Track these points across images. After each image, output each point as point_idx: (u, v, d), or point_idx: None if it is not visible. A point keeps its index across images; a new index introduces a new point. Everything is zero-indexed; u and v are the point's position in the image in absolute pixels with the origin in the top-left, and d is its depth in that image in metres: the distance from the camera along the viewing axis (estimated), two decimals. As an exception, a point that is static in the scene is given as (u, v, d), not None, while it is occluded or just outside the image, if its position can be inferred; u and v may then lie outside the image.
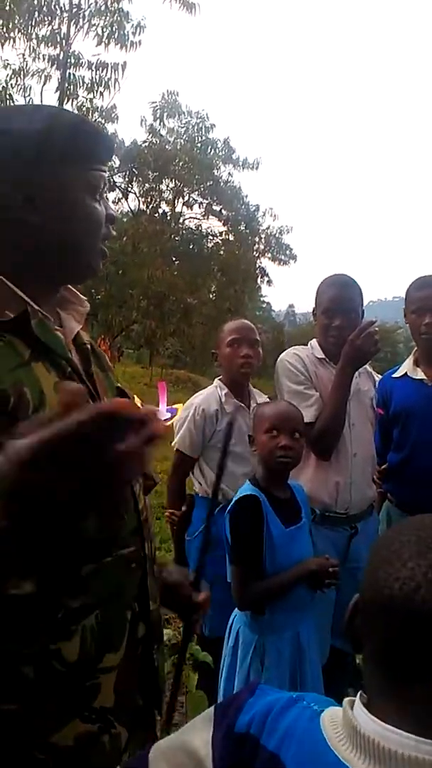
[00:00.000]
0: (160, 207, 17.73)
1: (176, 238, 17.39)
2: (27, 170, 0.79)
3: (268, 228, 18.54)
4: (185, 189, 17.55)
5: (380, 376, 2.23)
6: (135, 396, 1.09)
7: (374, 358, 2.03)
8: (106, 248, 0.90)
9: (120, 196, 16.94)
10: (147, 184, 17.09)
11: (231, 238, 17.98)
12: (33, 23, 11.45)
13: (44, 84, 12.41)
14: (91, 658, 0.77)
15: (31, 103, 11.82)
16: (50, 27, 11.67)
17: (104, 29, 11.48)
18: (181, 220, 18.42)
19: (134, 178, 17.02)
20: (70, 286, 0.94)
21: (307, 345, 2.09)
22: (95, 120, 11.99)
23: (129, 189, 17.22)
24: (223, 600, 1.75)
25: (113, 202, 16.08)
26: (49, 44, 11.79)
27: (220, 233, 18.39)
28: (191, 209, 18.33)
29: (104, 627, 0.78)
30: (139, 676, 0.86)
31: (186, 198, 17.95)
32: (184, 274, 15.69)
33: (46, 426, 0.44)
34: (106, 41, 11.48)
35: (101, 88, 12.03)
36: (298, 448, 1.62)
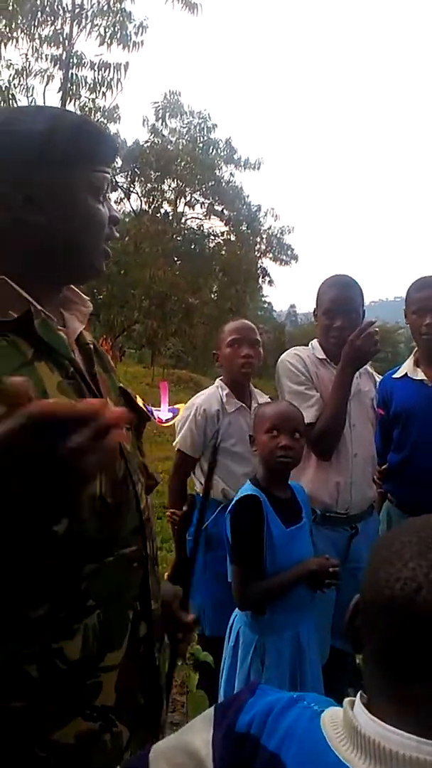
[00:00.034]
0: (162, 207, 17.74)
1: (178, 238, 17.39)
2: (30, 171, 0.79)
3: (269, 228, 18.55)
4: (187, 189, 17.56)
5: (381, 377, 2.24)
6: (137, 396, 1.09)
7: (375, 359, 2.03)
8: (109, 249, 0.90)
9: (122, 196, 16.96)
10: (149, 184, 17.10)
11: (233, 238, 17.98)
12: (36, 23, 11.45)
13: (47, 84, 12.42)
14: (93, 656, 0.77)
15: (33, 102, 11.84)
16: (53, 27, 11.68)
17: (107, 29, 11.49)
18: (182, 220, 18.43)
19: (136, 178, 17.04)
20: (73, 286, 0.94)
21: (308, 345, 2.09)
22: (97, 120, 12.00)
23: (131, 189, 17.24)
24: (223, 600, 1.75)
25: (115, 201, 16.10)
26: (52, 44, 11.80)
27: (222, 233, 18.40)
28: (193, 209, 18.35)
29: (106, 626, 0.79)
30: (141, 675, 0.87)
31: (188, 198, 17.96)
32: (185, 274, 15.70)
33: None
34: (109, 41, 11.50)
35: (104, 88, 12.05)
36: (298, 448, 1.62)
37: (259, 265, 18.27)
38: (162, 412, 6.25)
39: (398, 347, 22.68)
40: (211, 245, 18.31)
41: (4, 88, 11.78)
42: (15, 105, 11.49)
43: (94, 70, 11.93)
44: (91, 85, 12.08)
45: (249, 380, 2.19)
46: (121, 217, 1.02)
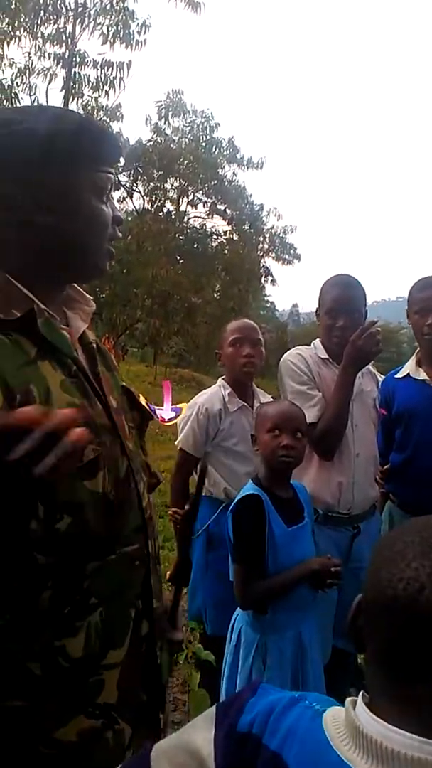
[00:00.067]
0: (164, 206, 17.71)
1: (180, 237, 17.37)
2: (34, 171, 0.80)
3: (272, 227, 18.51)
4: (190, 188, 17.53)
5: (384, 377, 2.23)
6: (140, 394, 1.10)
7: (379, 359, 2.02)
8: (112, 249, 0.90)
9: (125, 194, 16.92)
10: (152, 183, 17.07)
11: (235, 237, 17.95)
12: (38, 22, 11.44)
13: (49, 83, 12.40)
14: (95, 654, 0.78)
15: (36, 101, 11.84)
16: (56, 26, 11.66)
17: (109, 28, 11.46)
18: (185, 219, 18.40)
19: (139, 177, 17.01)
20: (76, 285, 0.94)
21: (310, 345, 2.09)
22: (100, 119, 11.99)
23: (134, 188, 17.21)
24: (225, 599, 1.75)
25: (118, 200, 16.08)
26: (55, 43, 11.78)
27: (225, 232, 18.36)
28: (195, 208, 18.31)
29: (108, 624, 0.79)
30: (143, 673, 0.87)
31: (190, 197, 17.93)
32: (188, 273, 15.68)
33: None
34: (112, 40, 11.47)
35: (106, 87, 12.02)
36: (300, 447, 1.62)
37: (261, 265, 18.23)
38: (165, 411, 6.27)
39: (402, 347, 22.64)
40: (214, 244, 18.28)
41: (6, 87, 11.76)
42: (17, 103, 11.50)
43: (97, 69, 11.92)
44: (94, 84, 12.06)
45: (251, 379, 2.19)
46: (123, 216, 1.02)
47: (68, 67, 11.79)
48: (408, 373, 2.17)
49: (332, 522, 1.91)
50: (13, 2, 10.83)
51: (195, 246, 17.98)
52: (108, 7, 11.51)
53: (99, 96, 12.25)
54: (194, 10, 11.17)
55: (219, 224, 18.45)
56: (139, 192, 17.38)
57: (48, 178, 0.80)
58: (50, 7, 11.35)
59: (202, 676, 1.97)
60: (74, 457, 0.58)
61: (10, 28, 11.17)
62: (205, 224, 18.59)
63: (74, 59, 11.80)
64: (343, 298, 1.96)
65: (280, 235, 18.44)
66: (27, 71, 12.12)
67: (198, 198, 18.04)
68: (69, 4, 11.51)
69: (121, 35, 11.39)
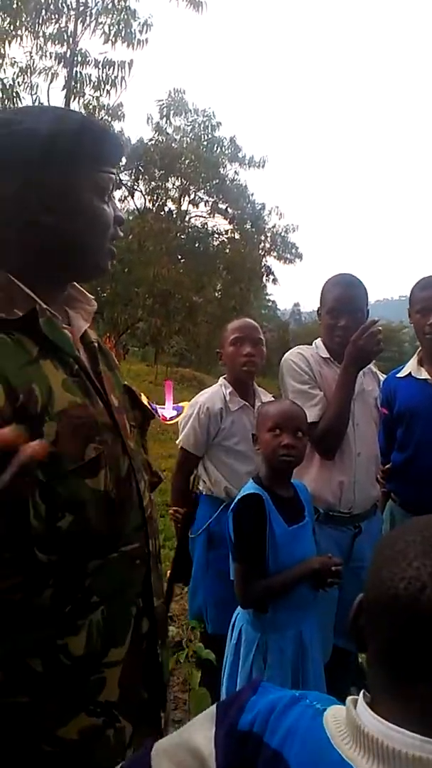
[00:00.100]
0: (166, 205, 17.70)
1: (182, 237, 17.36)
2: (35, 172, 0.80)
3: (273, 226, 18.49)
4: (191, 187, 17.51)
5: (385, 376, 2.23)
6: (141, 393, 1.10)
7: (381, 358, 2.02)
8: (114, 248, 0.90)
9: (126, 194, 16.92)
10: (153, 182, 17.06)
11: (237, 236, 17.94)
12: (40, 21, 11.44)
13: (51, 82, 12.40)
14: (97, 652, 0.78)
15: (37, 100, 11.84)
16: (57, 25, 11.66)
17: (111, 27, 11.46)
18: (186, 219, 18.39)
19: (140, 176, 17.00)
20: (77, 284, 0.94)
21: (311, 344, 2.09)
22: (102, 118, 12.00)
23: (135, 187, 17.20)
24: (226, 597, 1.76)
25: (119, 199, 16.09)
26: (56, 42, 11.79)
27: (226, 231, 18.35)
28: (197, 207, 18.30)
29: (109, 622, 0.79)
30: (144, 671, 0.87)
31: (192, 196, 17.91)
32: (189, 273, 15.67)
33: None
34: (113, 39, 11.47)
35: (108, 86, 12.02)
36: (300, 446, 1.62)
37: (263, 264, 18.21)
38: (167, 410, 6.28)
39: (403, 346, 22.63)
40: (215, 243, 18.27)
41: (8, 86, 11.77)
42: (19, 103, 11.51)
43: (99, 68, 11.92)
44: (96, 83, 12.06)
45: (252, 379, 2.19)
46: (125, 215, 1.02)
47: (70, 66, 11.80)
48: (409, 373, 2.17)
49: (333, 521, 1.91)
50: (15, 1, 10.83)
51: (196, 245, 17.97)
52: (109, 6, 11.51)
53: (100, 95, 12.27)
54: (196, 8, 11.17)
55: (220, 223, 18.45)
56: (141, 191, 17.37)
57: (49, 178, 0.80)
58: (52, 6, 11.35)
59: (203, 675, 1.97)
60: (29, 473, 0.61)
61: (12, 27, 11.17)
62: (206, 223, 18.59)
63: (76, 58, 11.80)
64: (344, 298, 1.96)
65: (282, 234, 18.43)
66: (28, 70, 12.13)
67: (199, 197, 18.03)
68: (70, 3, 11.52)
69: (123, 34, 11.39)
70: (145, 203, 17.50)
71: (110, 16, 11.48)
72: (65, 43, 11.78)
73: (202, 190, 17.83)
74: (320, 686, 1.60)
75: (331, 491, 1.90)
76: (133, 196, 17.32)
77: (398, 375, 2.21)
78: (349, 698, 0.59)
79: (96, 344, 0.93)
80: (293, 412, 1.65)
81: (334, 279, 2.03)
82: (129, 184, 16.87)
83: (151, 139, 16.74)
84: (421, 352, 2.17)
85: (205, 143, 17.36)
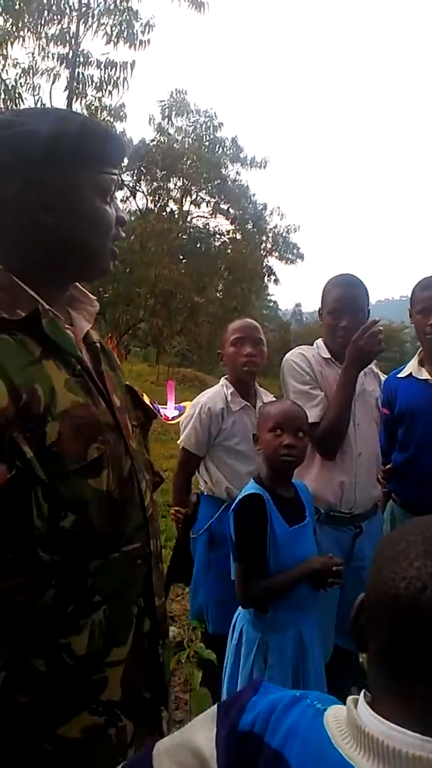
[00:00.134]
0: (167, 205, 17.71)
1: (184, 237, 17.37)
2: (36, 173, 0.80)
3: (275, 227, 18.49)
4: (193, 188, 17.52)
5: (386, 376, 2.23)
6: (143, 393, 1.10)
7: (382, 358, 2.02)
8: (116, 249, 0.90)
9: (128, 194, 16.93)
10: (155, 183, 17.07)
11: (238, 236, 17.94)
12: (42, 22, 11.45)
13: (53, 83, 12.42)
14: (99, 652, 0.78)
15: (40, 101, 11.86)
16: (59, 26, 11.68)
17: (113, 28, 11.48)
18: (188, 219, 18.40)
19: (142, 177, 17.01)
20: (79, 285, 0.95)
21: (313, 345, 2.09)
22: (104, 119, 12.01)
23: (137, 187, 17.21)
24: (226, 597, 1.76)
25: (121, 200, 16.09)
26: (59, 43, 11.80)
27: (228, 232, 18.35)
28: (199, 208, 18.31)
29: (111, 622, 0.80)
30: (145, 670, 0.87)
31: (194, 197, 17.92)
32: (191, 273, 15.68)
33: None
34: (115, 40, 11.49)
35: (110, 87, 12.03)
36: (301, 446, 1.62)
37: (264, 264, 18.21)
38: (169, 410, 6.29)
39: (404, 347, 22.59)
40: (217, 244, 18.27)
41: (10, 87, 11.78)
42: (21, 104, 11.52)
43: (101, 69, 11.94)
44: (98, 84, 12.08)
45: (253, 379, 2.19)
46: (126, 216, 1.03)
47: (72, 67, 11.81)
48: (410, 373, 2.16)
49: (334, 521, 1.91)
50: (17, 2, 10.84)
51: (198, 245, 17.98)
52: (112, 7, 11.52)
53: (102, 96, 12.28)
54: (198, 9, 11.19)
55: (222, 224, 18.46)
56: (143, 191, 17.39)
57: (51, 179, 0.81)
58: (54, 8, 11.37)
59: (204, 675, 1.97)
60: None
61: (14, 28, 11.20)
62: (208, 224, 18.60)
63: (78, 59, 11.81)
64: (345, 298, 1.96)
65: (283, 234, 18.43)
66: (31, 71, 12.15)
67: (201, 197, 18.04)
68: (73, 4, 11.54)
69: (125, 35, 11.41)
70: (147, 204, 17.52)
71: (112, 16, 11.50)
72: (67, 44, 11.80)
73: (204, 191, 17.84)
74: (321, 686, 1.60)
75: (332, 491, 1.90)
76: (135, 197, 17.34)
77: (399, 375, 2.21)
78: (350, 698, 0.59)
79: (98, 344, 0.94)
80: (294, 412, 1.65)
81: (335, 279, 2.03)
82: (131, 184, 16.88)
83: (153, 140, 16.77)
84: (421, 353, 2.17)
85: (206, 144, 17.37)
